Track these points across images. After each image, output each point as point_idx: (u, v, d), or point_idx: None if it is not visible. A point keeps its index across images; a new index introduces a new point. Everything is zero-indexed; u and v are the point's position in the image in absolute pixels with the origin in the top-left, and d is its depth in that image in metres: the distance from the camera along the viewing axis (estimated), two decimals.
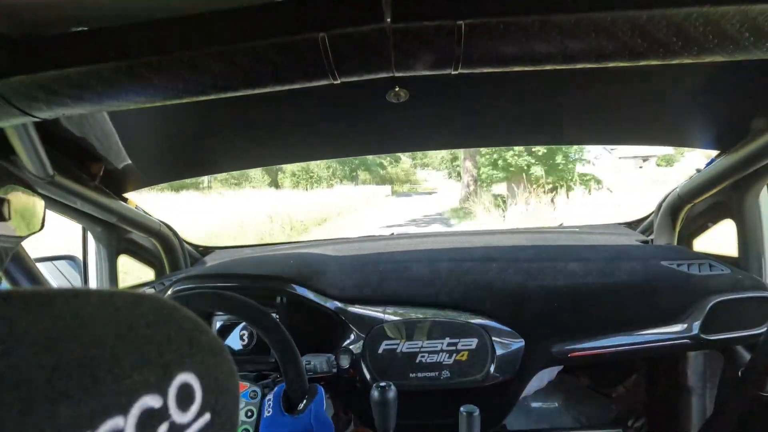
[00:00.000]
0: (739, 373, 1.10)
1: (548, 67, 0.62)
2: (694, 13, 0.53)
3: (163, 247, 1.40)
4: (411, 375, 1.00)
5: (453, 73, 0.63)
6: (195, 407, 0.21)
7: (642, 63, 0.60)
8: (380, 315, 1.04)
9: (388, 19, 0.56)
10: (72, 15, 0.59)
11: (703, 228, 1.35)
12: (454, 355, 1.00)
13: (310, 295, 1.07)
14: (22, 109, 0.63)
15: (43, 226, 0.88)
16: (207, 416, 0.21)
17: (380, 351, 1.01)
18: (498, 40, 0.58)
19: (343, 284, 1.11)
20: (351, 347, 1.02)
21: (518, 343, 1.02)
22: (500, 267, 1.15)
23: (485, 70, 0.62)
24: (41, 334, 0.15)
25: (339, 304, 1.06)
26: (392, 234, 1.60)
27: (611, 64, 0.60)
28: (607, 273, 1.12)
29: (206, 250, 1.60)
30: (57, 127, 0.93)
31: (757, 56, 0.56)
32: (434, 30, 0.57)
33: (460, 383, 1.01)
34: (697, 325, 1.06)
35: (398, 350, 1.01)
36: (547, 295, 1.07)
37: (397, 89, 0.90)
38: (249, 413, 0.88)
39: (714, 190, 1.20)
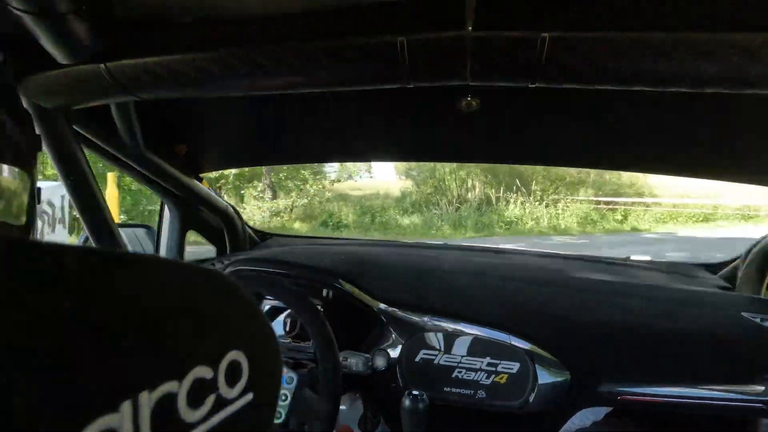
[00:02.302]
0: None
1: (634, 88, 0.58)
2: None
3: (227, 228, 1.50)
4: (445, 389, 0.98)
5: (530, 86, 0.61)
6: (241, 384, 0.22)
7: (745, 91, 0.54)
8: (423, 322, 1.03)
9: (470, 27, 0.56)
10: (177, 6, 0.65)
11: None
12: (493, 376, 0.97)
13: (357, 292, 1.09)
14: (128, 89, 0.71)
15: None
16: (250, 395, 0.22)
17: (417, 359, 1.00)
18: (582, 55, 0.55)
19: (390, 286, 1.11)
20: (389, 350, 1.02)
21: (563, 376, 0.97)
22: (552, 292, 1.10)
23: (565, 85, 0.60)
24: (119, 291, 0.16)
25: (383, 306, 1.07)
26: (445, 243, 1.58)
27: (708, 90, 0.55)
28: (674, 317, 1.02)
29: (265, 236, 1.68)
30: (152, 107, 1.03)
31: None
32: (516, 41, 0.56)
33: (496, 407, 0.98)
34: None
35: (436, 361, 0.99)
36: (601, 329, 1.00)
37: (469, 98, 0.89)
38: (283, 397, 0.91)
39: None
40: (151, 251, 1.43)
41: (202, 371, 0.19)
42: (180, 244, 1.40)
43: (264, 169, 10.57)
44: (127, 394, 0.16)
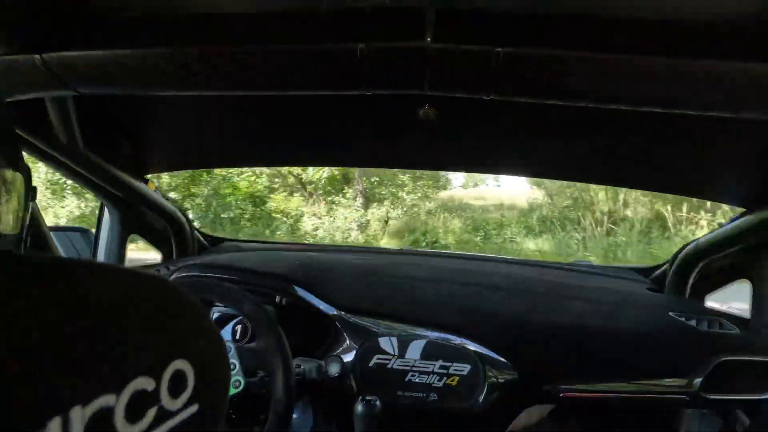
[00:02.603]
0: None
1: (582, 104, 0.62)
2: (732, 69, 0.53)
3: (174, 232, 1.43)
4: (398, 393, 0.99)
5: (485, 98, 0.63)
6: (185, 396, 0.21)
7: (677, 111, 0.59)
8: (377, 328, 1.03)
9: (429, 38, 0.57)
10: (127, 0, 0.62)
11: (717, 285, 1.32)
12: (445, 378, 0.99)
13: (311, 298, 1.07)
14: (67, 83, 0.66)
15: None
16: (195, 406, 0.21)
17: (371, 364, 1.00)
18: (534, 71, 0.59)
19: (345, 292, 1.11)
20: (342, 356, 1.02)
21: (511, 376, 1.01)
22: (505, 296, 1.14)
23: (519, 99, 0.63)
24: (51, 301, 0.15)
25: (338, 312, 1.06)
26: (401, 249, 1.60)
27: (646, 109, 0.60)
28: (612, 317, 1.10)
29: (216, 241, 1.62)
30: (93, 103, 0.96)
31: None
32: (472, 54, 0.58)
33: (447, 408, 1.00)
34: (698, 382, 1.03)
35: (389, 366, 1.00)
36: (548, 331, 1.05)
37: (426, 107, 0.91)
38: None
39: (734, 248, 1.18)
40: (87, 257, 1.33)
41: (143, 383, 0.18)
42: (120, 249, 1.32)
43: (356, 171, 8.86)
44: (55, 410, 0.15)
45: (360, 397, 0.86)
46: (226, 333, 1.08)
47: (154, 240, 1.45)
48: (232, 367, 0.90)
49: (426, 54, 0.58)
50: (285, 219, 8.64)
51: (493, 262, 1.50)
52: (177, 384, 0.20)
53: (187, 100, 1.01)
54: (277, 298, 1.09)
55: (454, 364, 0.99)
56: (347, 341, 1.03)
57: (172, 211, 1.40)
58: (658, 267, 1.45)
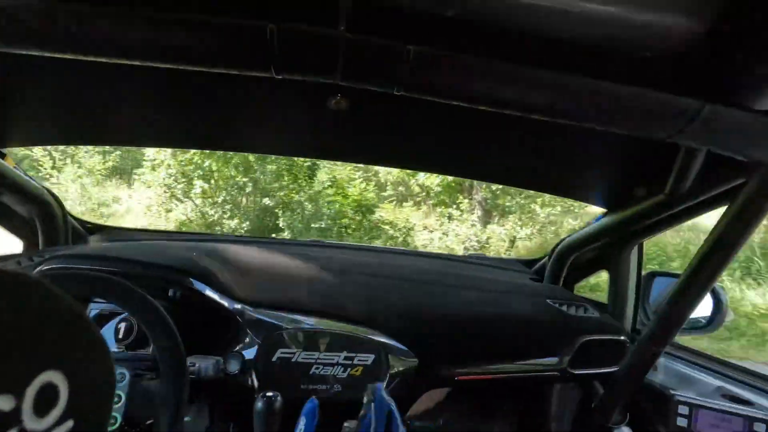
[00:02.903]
0: (593, 406, 1.25)
1: (481, 107, 0.66)
2: (599, 87, 0.61)
3: (40, 218, 1.22)
4: (302, 386, 0.98)
5: (396, 93, 0.64)
6: (56, 412, 0.17)
7: (558, 120, 0.67)
8: (281, 322, 1.00)
9: (343, 27, 0.56)
10: None
11: (584, 274, 1.54)
12: (349, 369, 1.00)
13: (210, 291, 1.00)
14: None
15: None
16: (69, 423, 0.18)
17: (274, 359, 0.97)
18: (441, 71, 0.61)
19: (249, 285, 1.05)
20: (243, 352, 0.97)
21: (412, 363, 1.06)
22: (407, 287, 1.19)
23: (426, 97, 0.65)
24: None
25: (239, 306, 1.01)
26: (309, 241, 1.58)
27: (534, 116, 0.67)
28: (500, 305, 1.22)
29: (95, 229, 1.42)
30: None
31: (631, 133, 0.67)
32: (384, 49, 0.59)
33: (350, 398, 1.01)
34: (567, 359, 1.19)
35: (293, 360, 0.98)
36: (445, 319, 1.13)
37: (339, 97, 0.90)
38: (116, 398, 0.79)
39: (597, 243, 1.38)
40: None
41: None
42: None
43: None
44: None
45: (260, 394, 0.83)
46: (108, 332, 0.96)
47: (13, 226, 1.23)
48: (116, 399, 0.79)
49: (339, 43, 0.57)
50: (393, 231, 7.26)
51: (396, 254, 1.56)
52: (45, 400, 0.17)
53: (59, 64, 0.87)
54: (170, 292, 1.00)
55: (359, 354, 1.01)
56: (249, 336, 0.98)
57: (37, 191, 1.19)
58: (539, 260, 1.64)
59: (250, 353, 0.97)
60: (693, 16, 0.57)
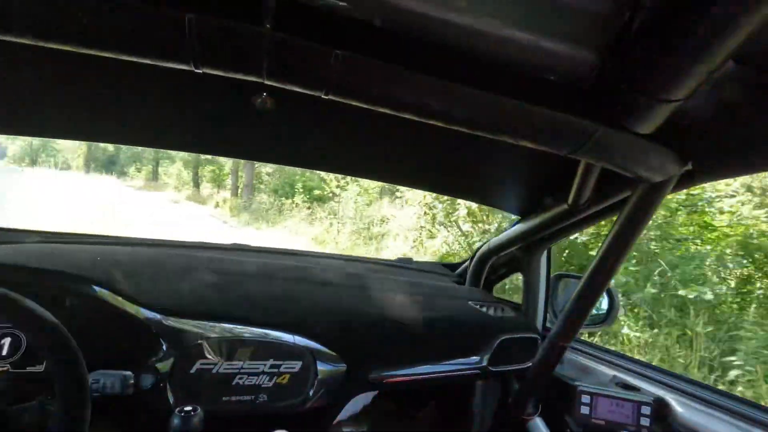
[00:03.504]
0: (510, 400, 1.34)
1: (406, 116, 0.69)
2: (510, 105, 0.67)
3: None
4: (224, 398, 0.93)
5: (323, 97, 0.64)
6: None
7: (477, 132, 0.72)
8: (201, 330, 0.94)
9: (268, 25, 0.56)
10: None
11: (501, 277, 1.65)
12: (275, 377, 0.97)
13: (116, 300, 0.91)
14: None
15: None
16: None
17: (193, 371, 0.91)
18: (368, 78, 0.63)
19: (162, 292, 0.98)
20: (157, 365, 0.90)
21: (340, 368, 1.05)
22: (335, 291, 1.18)
23: (353, 103, 0.66)
24: None
25: (151, 314, 0.93)
26: (233, 244, 1.49)
27: (454, 128, 0.71)
28: (425, 308, 1.26)
29: None
30: None
31: (538, 147, 0.74)
32: (311, 51, 0.59)
33: (277, 408, 0.98)
34: (486, 358, 1.26)
35: (214, 371, 0.93)
36: (373, 322, 1.14)
37: (264, 96, 0.88)
38: None
39: (513, 248, 1.49)
40: None
41: None
42: None
43: None
44: None
45: (177, 409, 0.77)
46: None
47: None
48: None
49: (263, 40, 0.56)
50: None
51: (322, 258, 1.54)
52: None
53: None
54: (68, 301, 0.90)
55: (285, 362, 0.98)
56: (164, 348, 0.91)
57: None
58: (461, 263, 1.73)
59: (165, 366, 0.90)
60: (587, 48, 0.65)
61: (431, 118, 0.69)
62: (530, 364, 1.27)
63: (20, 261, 0.90)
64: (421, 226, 6.73)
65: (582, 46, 0.66)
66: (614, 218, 1.04)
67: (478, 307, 1.37)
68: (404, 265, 1.65)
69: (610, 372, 1.22)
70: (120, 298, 0.92)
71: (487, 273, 1.60)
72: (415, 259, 1.80)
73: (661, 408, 1.05)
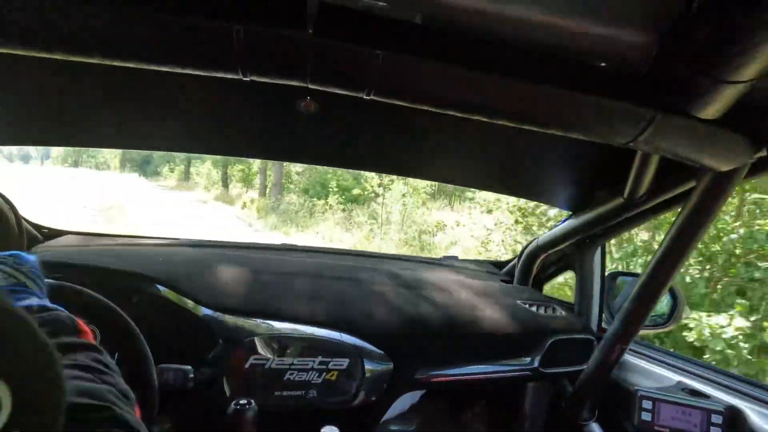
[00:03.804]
0: (563, 404, 1.29)
1: (449, 113, 0.68)
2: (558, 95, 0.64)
3: None
4: (276, 393, 0.97)
5: (365, 97, 0.65)
6: None
7: (526, 127, 0.70)
8: (253, 327, 0.98)
9: (311, 30, 0.57)
10: None
11: (552, 275, 1.58)
12: (324, 374, 0.99)
13: (177, 298, 0.97)
14: None
15: None
16: None
17: (247, 366, 0.95)
18: (410, 77, 0.62)
19: (218, 291, 1.03)
20: (215, 360, 0.95)
21: (387, 366, 1.06)
22: (382, 290, 1.19)
23: (396, 102, 0.66)
24: None
25: (209, 312, 0.98)
26: (279, 244, 1.55)
27: (501, 123, 0.69)
28: (473, 307, 1.24)
29: (52, 233, 1.35)
30: None
31: (591, 138, 0.71)
32: (353, 53, 0.59)
33: (326, 403, 1.00)
34: (537, 359, 1.22)
35: (266, 366, 0.96)
36: (421, 322, 1.13)
37: (308, 99, 0.90)
38: None
39: (564, 245, 1.42)
40: None
41: None
42: None
43: None
44: None
45: (233, 402, 0.81)
46: None
47: None
48: None
49: (307, 45, 0.57)
50: None
51: (369, 258, 1.56)
52: None
53: (20, 61, 0.83)
54: (134, 299, 0.97)
55: (334, 359, 1.00)
56: (220, 343, 0.96)
57: None
58: (509, 261, 1.68)
59: (221, 361, 0.95)
60: (644, 31, 0.61)
61: (475, 113, 0.67)
62: (585, 366, 1.22)
63: (93, 262, 0.98)
64: (504, 240, 5.50)
65: (636, 28, 0.62)
66: (677, 212, 0.97)
67: (527, 306, 1.33)
68: (450, 263, 1.63)
69: (675, 377, 1.14)
70: (181, 297, 0.98)
71: (536, 271, 1.55)
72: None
73: (734, 417, 0.96)
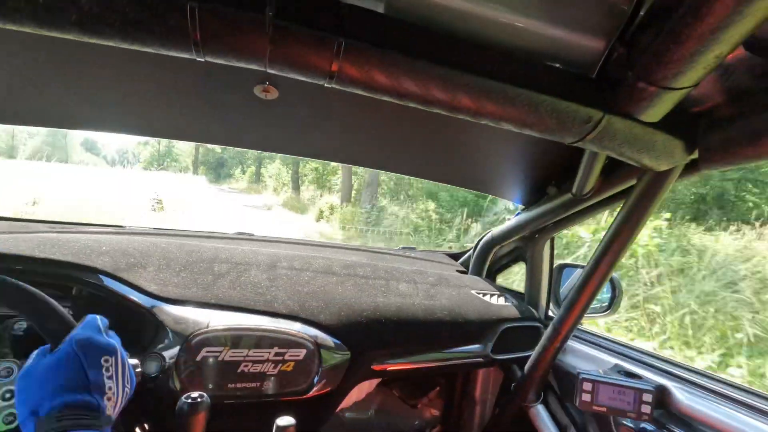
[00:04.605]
0: (512, 388, 1.36)
1: (410, 105, 0.68)
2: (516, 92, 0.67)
3: None
4: (229, 386, 0.94)
5: (326, 85, 0.64)
6: None
7: (481, 121, 0.71)
8: (205, 319, 0.95)
9: (271, 13, 0.55)
10: None
11: (505, 266, 1.65)
12: (280, 365, 0.98)
13: (123, 289, 0.92)
14: None
15: None
16: None
17: (198, 358, 0.92)
18: (372, 67, 0.62)
19: (167, 281, 0.99)
20: (164, 353, 0.91)
21: (344, 356, 1.06)
22: (339, 280, 1.19)
23: (357, 91, 0.65)
24: None
25: (157, 303, 0.94)
26: (236, 233, 1.50)
27: (459, 116, 0.71)
28: (430, 296, 1.27)
29: None
30: None
31: (543, 136, 0.74)
32: (314, 39, 0.58)
33: (282, 394, 0.99)
34: (490, 345, 1.27)
35: (219, 358, 0.94)
36: (378, 311, 1.15)
37: (267, 84, 0.87)
38: (7, 394, 0.74)
39: (516, 237, 1.49)
40: None
41: None
42: None
43: None
44: None
45: (184, 396, 0.79)
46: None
47: None
48: (8, 395, 0.74)
49: (267, 27, 0.55)
50: None
51: (325, 248, 1.55)
52: None
53: None
54: (74, 290, 0.91)
55: (290, 350, 0.99)
56: (170, 335, 0.92)
57: None
58: (464, 252, 1.73)
59: (170, 353, 0.91)
60: (595, 35, 0.65)
61: (434, 106, 0.68)
62: (533, 352, 1.28)
63: (27, 250, 0.90)
64: None
65: (589, 33, 0.65)
66: (618, 207, 1.04)
67: (481, 295, 1.38)
68: (408, 254, 1.66)
69: (613, 360, 1.23)
70: (125, 287, 0.93)
71: (490, 262, 1.61)
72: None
73: (662, 395, 1.06)
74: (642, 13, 0.61)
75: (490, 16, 0.63)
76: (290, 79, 0.63)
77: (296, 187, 16.25)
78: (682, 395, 1.03)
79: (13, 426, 0.73)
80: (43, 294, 0.67)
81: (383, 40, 0.61)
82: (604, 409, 1.09)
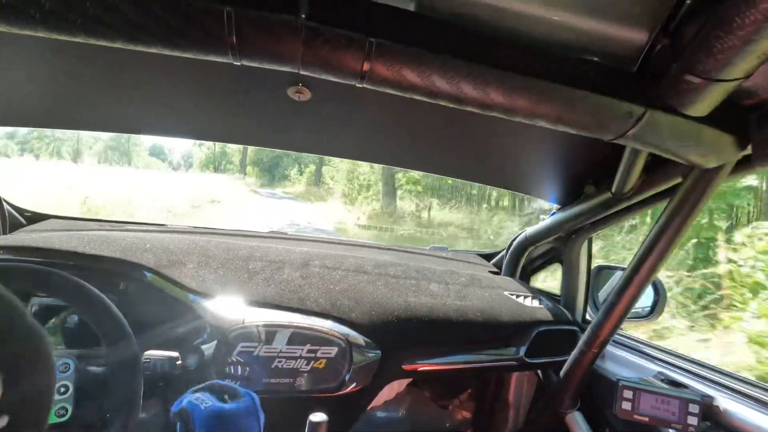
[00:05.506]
0: (547, 393, 1.32)
1: (441, 103, 0.68)
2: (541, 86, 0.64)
3: None
4: (263, 380, 0.97)
5: (357, 85, 0.64)
6: None
7: (516, 119, 0.70)
8: (242, 315, 0.98)
9: (303, 15, 0.56)
10: None
11: (539, 268, 1.61)
12: (312, 362, 1.00)
13: (165, 285, 0.97)
14: None
15: None
16: (4, 419, 0.17)
17: (235, 353, 0.96)
18: (403, 66, 0.62)
19: (206, 277, 1.03)
20: (203, 346, 0.95)
21: (375, 355, 1.07)
22: (370, 279, 1.20)
23: (388, 90, 0.65)
24: None
25: (197, 299, 0.98)
26: (271, 231, 1.54)
27: (492, 114, 0.69)
28: (461, 296, 1.25)
29: (36, 217, 1.33)
30: None
31: (581, 133, 0.72)
32: (346, 40, 0.59)
33: (314, 391, 1.01)
34: (523, 349, 1.24)
35: (254, 353, 0.97)
36: (409, 311, 1.14)
37: (300, 86, 0.89)
38: (63, 389, 0.79)
39: (551, 238, 1.44)
40: None
41: None
42: None
43: None
44: None
45: None
46: (54, 328, 0.90)
47: None
48: (63, 390, 0.79)
49: (300, 29, 0.56)
50: None
51: (357, 247, 1.56)
52: None
53: (22, 41, 0.80)
54: (121, 285, 0.96)
55: (322, 347, 1.01)
56: (209, 330, 0.96)
57: None
58: (497, 253, 1.69)
59: (208, 348, 0.95)
60: (636, 28, 0.62)
61: (468, 104, 0.67)
62: (569, 357, 1.24)
63: (80, 247, 0.96)
64: None
65: (630, 25, 0.62)
66: (662, 207, 0.99)
67: (514, 297, 1.35)
68: (439, 254, 1.64)
69: (655, 368, 1.17)
70: (168, 284, 0.97)
71: (524, 263, 1.57)
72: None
73: (710, 407, 1.00)
74: (688, 1, 0.57)
75: (525, 11, 0.62)
76: (323, 80, 0.64)
77: (391, 193, 11.91)
78: (732, 407, 0.97)
79: (63, 419, 0.77)
80: (100, 294, 0.71)
81: (414, 39, 0.61)
82: (646, 419, 1.04)
